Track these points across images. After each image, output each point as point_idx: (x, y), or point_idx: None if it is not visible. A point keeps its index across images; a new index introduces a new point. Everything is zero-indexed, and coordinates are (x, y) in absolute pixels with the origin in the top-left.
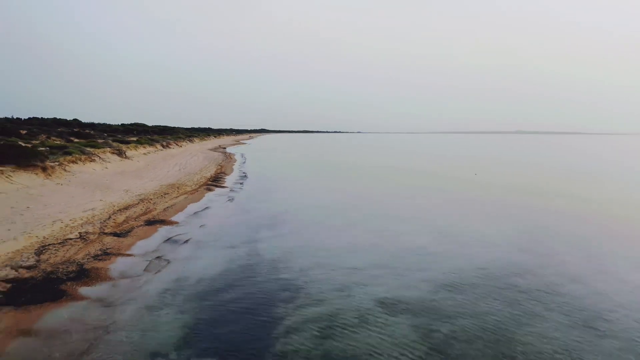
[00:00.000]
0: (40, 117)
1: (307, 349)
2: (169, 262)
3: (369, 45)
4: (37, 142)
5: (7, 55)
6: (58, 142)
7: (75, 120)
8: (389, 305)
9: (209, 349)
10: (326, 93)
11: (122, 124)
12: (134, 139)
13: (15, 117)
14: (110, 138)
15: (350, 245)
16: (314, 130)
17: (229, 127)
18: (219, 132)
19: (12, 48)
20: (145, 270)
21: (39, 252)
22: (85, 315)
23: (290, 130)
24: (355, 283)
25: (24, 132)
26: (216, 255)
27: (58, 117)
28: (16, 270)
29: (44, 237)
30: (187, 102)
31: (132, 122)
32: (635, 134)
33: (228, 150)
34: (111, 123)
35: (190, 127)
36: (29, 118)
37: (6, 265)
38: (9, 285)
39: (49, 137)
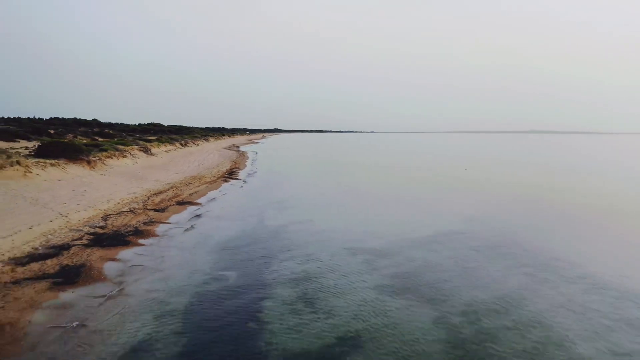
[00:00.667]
0: (61, 117)
1: (293, 272)
2: (197, 227)
3: (382, 46)
4: (66, 140)
5: (9, 55)
6: (85, 140)
7: (94, 120)
8: (351, 250)
9: (228, 269)
10: (341, 94)
11: (140, 124)
12: (153, 138)
13: (37, 117)
14: (130, 137)
15: (333, 217)
16: (327, 130)
17: (242, 127)
18: (233, 132)
19: (15, 48)
20: (180, 231)
21: (105, 218)
22: (145, 253)
23: (304, 130)
24: (331, 238)
25: (52, 131)
26: (231, 224)
27: (78, 118)
28: (93, 229)
29: (105, 210)
30: (201, 103)
31: (149, 122)
32: None
33: (241, 149)
34: (128, 123)
35: (204, 126)
36: (51, 118)
37: (86, 225)
38: (91, 236)
39: (75, 136)
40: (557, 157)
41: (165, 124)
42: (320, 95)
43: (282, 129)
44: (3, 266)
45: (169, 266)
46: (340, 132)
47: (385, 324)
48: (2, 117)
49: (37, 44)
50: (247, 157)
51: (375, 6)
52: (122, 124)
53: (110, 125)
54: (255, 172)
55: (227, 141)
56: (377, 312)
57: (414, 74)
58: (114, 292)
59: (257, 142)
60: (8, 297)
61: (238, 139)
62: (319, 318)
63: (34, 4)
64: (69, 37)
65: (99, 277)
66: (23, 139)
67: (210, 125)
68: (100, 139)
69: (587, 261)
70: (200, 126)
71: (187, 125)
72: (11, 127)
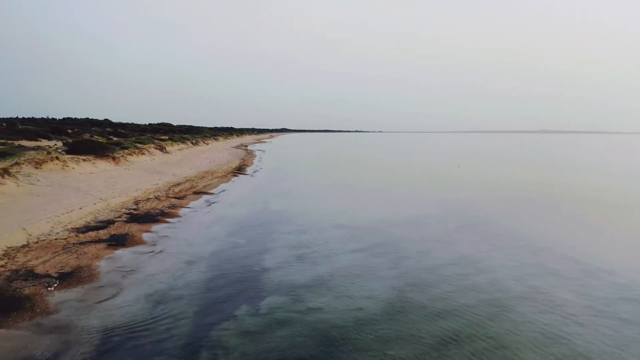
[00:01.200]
0: (73, 117)
1: (289, 241)
2: (212, 210)
3: (391, 45)
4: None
5: (16, 55)
6: (101, 140)
7: (106, 120)
8: (338, 226)
9: (237, 238)
10: (349, 93)
11: (150, 124)
12: (165, 137)
13: (50, 117)
14: (143, 137)
15: (327, 204)
16: (335, 130)
17: (250, 127)
18: (241, 132)
19: (17, 48)
20: (199, 213)
21: (136, 203)
22: (172, 227)
23: (312, 129)
24: (323, 219)
25: (70, 131)
26: (241, 208)
27: (90, 118)
28: (128, 210)
29: (135, 197)
30: (210, 103)
31: (158, 122)
32: None
33: (249, 147)
34: (138, 122)
35: (213, 126)
36: (64, 118)
37: (122, 208)
38: (128, 215)
39: (92, 136)
40: (558, 155)
41: (175, 123)
42: (329, 95)
43: (290, 128)
44: (69, 233)
45: (192, 236)
46: (348, 131)
47: (354, 269)
48: (17, 117)
49: (40, 45)
50: (255, 156)
51: (382, 5)
52: (132, 123)
53: (121, 125)
54: (262, 168)
55: (235, 141)
56: (349, 264)
57: (423, 73)
58: (153, 251)
59: (264, 142)
60: (79, 252)
61: (246, 139)
62: (305, 267)
63: (36, 3)
64: (73, 38)
65: (140, 242)
66: (44, 138)
67: (218, 125)
68: (114, 139)
69: (518, 226)
70: (208, 126)
71: (196, 125)
72: (31, 127)
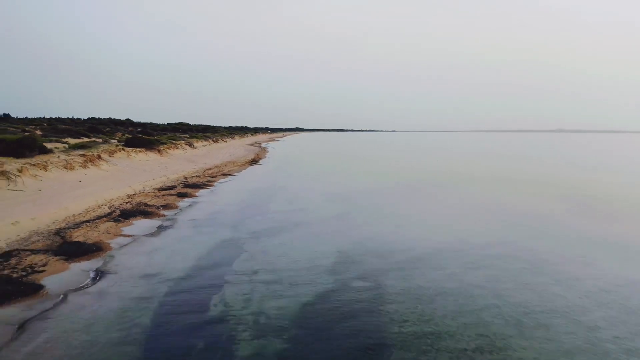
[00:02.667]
0: (97, 117)
1: (287, 200)
2: (235, 184)
3: (404, 43)
4: (119, 136)
5: (20, 56)
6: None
7: (127, 120)
8: (324, 195)
9: (251, 199)
10: (362, 92)
11: (169, 123)
12: (186, 136)
13: (75, 117)
14: (164, 136)
15: (320, 183)
16: (348, 129)
17: (264, 126)
18: (255, 131)
19: (21, 49)
20: (226, 185)
21: (185, 178)
22: (211, 191)
23: (325, 129)
24: (314, 191)
25: (106, 129)
26: (255, 184)
27: (113, 117)
28: (182, 182)
29: (183, 175)
30: (225, 103)
31: (177, 121)
32: None
33: (263, 145)
34: (157, 122)
35: (228, 126)
36: (88, 118)
37: (178, 181)
38: (183, 185)
39: (123, 134)
40: (603, 156)
41: (191, 123)
42: (343, 94)
43: (304, 128)
44: (154, 190)
45: (223, 195)
46: (361, 131)
47: (331, 214)
48: (44, 117)
49: (46, 47)
50: (267, 151)
51: (396, 3)
52: (152, 123)
53: (141, 124)
54: (273, 161)
55: (250, 139)
56: (328, 214)
57: (437, 71)
58: (202, 201)
59: (277, 140)
60: (164, 198)
61: (260, 137)
62: (290, 208)
63: (42, 4)
64: (84, 42)
65: (194, 196)
66: (84, 136)
67: (233, 125)
68: (145, 137)
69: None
70: (224, 125)
71: (213, 125)
72: (70, 127)
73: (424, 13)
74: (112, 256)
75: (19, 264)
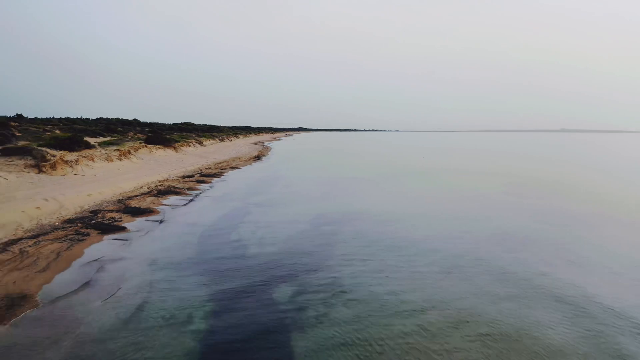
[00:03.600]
0: (105, 117)
1: (285, 184)
2: (242, 174)
3: (406, 42)
4: (55, 137)
5: (39, 62)
6: (143, 137)
7: (135, 120)
8: (314, 179)
9: (256, 185)
10: (365, 92)
11: (174, 123)
12: (192, 135)
13: (84, 117)
14: (176, 134)
15: (313, 172)
16: (351, 129)
17: (267, 126)
18: (259, 130)
19: (25, 49)
20: (235, 176)
21: (200, 169)
22: (223, 180)
23: (328, 128)
24: (306, 178)
25: (119, 129)
26: (259, 174)
27: (120, 118)
28: (198, 172)
29: (199, 167)
30: (228, 103)
31: (182, 121)
32: None
33: (266, 144)
34: (163, 122)
35: (231, 125)
36: (97, 118)
37: (195, 171)
38: (199, 174)
39: (135, 134)
40: (553, 152)
41: (195, 122)
42: (347, 94)
43: (307, 127)
44: (178, 177)
45: (232, 182)
46: (364, 130)
47: (316, 194)
48: (53, 117)
49: (60, 52)
50: (270, 149)
51: (412, 2)
52: (158, 123)
53: (148, 124)
54: (274, 157)
55: (254, 138)
56: (314, 194)
57: (453, 70)
58: (214, 186)
59: (279, 140)
60: (187, 183)
61: (263, 137)
62: (290, 194)
63: (50, 5)
64: (96, 46)
65: (209, 182)
66: (100, 135)
67: (237, 124)
68: (140, 137)
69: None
70: (227, 125)
71: (217, 125)
72: (85, 127)
73: (431, 11)
74: (163, 214)
75: (105, 217)
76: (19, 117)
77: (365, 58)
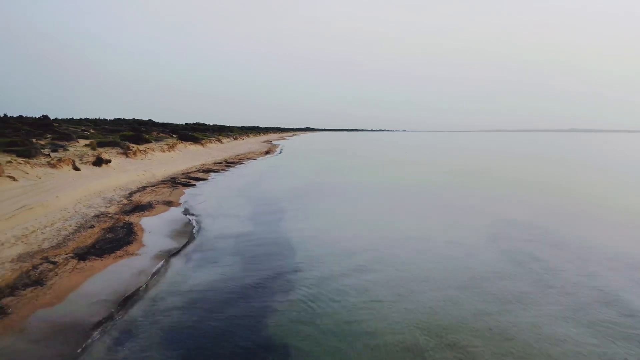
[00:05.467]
0: (122, 117)
1: (286, 171)
2: (256, 164)
3: (417, 42)
4: (123, 135)
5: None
6: (166, 136)
7: (150, 120)
8: (309, 168)
9: (266, 171)
10: (373, 92)
11: (187, 124)
12: (207, 134)
13: (102, 118)
14: (198, 134)
15: (311, 163)
16: (358, 128)
17: (275, 126)
18: (267, 130)
19: (45, 58)
20: (250, 164)
21: (226, 160)
22: (243, 166)
23: (335, 128)
24: (303, 168)
25: (143, 129)
26: (269, 164)
27: (136, 118)
28: (225, 161)
29: (224, 158)
30: (236, 103)
31: (193, 121)
32: None
33: (274, 142)
34: (177, 122)
35: (240, 125)
36: (115, 119)
37: (222, 160)
38: (226, 163)
39: (158, 134)
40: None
41: (204, 122)
42: (354, 94)
43: (314, 127)
44: (212, 164)
45: (250, 167)
46: (371, 130)
47: (308, 176)
48: (73, 118)
49: (63, 54)
50: (278, 146)
51: (416, 2)
52: (171, 123)
53: (162, 124)
54: (282, 153)
55: (262, 137)
56: (307, 175)
57: (459, 68)
58: (240, 169)
59: (287, 139)
60: (220, 167)
61: (271, 136)
62: (290, 174)
63: (55, 9)
64: (103, 49)
65: (234, 167)
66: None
67: (245, 124)
68: (174, 135)
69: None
70: (236, 125)
71: (227, 125)
72: (115, 127)
73: (438, 11)
74: (210, 180)
75: (180, 180)
76: (44, 118)
77: (373, 58)
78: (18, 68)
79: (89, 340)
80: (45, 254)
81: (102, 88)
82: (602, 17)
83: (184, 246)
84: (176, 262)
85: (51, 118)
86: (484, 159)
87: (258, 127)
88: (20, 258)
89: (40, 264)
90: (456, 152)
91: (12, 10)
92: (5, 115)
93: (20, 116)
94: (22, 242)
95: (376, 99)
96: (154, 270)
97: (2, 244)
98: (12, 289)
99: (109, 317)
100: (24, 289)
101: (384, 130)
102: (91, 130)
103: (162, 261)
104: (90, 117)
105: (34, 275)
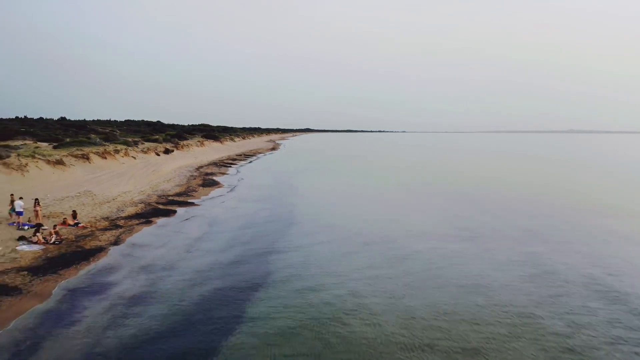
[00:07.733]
0: (133, 119)
1: (290, 163)
2: (266, 158)
3: (412, 43)
4: (167, 133)
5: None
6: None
7: (158, 121)
8: (309, 161)
9: (273, 165)
10: (373, 93)
11: (192, 125)
12: (216, 135)
13: (113, 120)
14: (200, 134)
15: (309, 158)
16: (357, 129)
17: (275, 127)
18: (268, 131)
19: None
20: (262, 158)
21: (242, 153)
22: (256, 159)
23: (334, 129)
24: (301, 160)
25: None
26: (275, 157)
27: (146, 119)
28: (239, 155)
29: (241, 152)
30: (237, 104)
31: (199, 123)
32: None
33: (277, 141)
34: (184, 124)
35: (242, 126)
36: (125, 120)
37: (240, 154)
38: (243, 155)
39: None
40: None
41: (205, 123)
42: (354, 95)
43: (314, 128)
44: (235, 156)
45: (262, 159)
46: (370, 131)
47: (304, 165)
48: (107, 120)
49: (66, 56)
50: (280, 145)
51: (415, 3)
52: (179, 125)
53: (170, 126)
54: (284, 150)
55: (266, 137)
56: (304, 165)
57: (458, 69)
58: (255, 161)
59: (287, 139)
60: (240, 157)
61: (274, 137)
62: (291, 164)
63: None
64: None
65: (250, 159)
66: (148, 134)
67: (246, 125)
68: (188, 135)
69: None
70: (238, 126)
71: (230, 126)
72: (138, 128)
73: (437, 12)
74: (239, 164)
75: (220, 163)
76: (62, 120)
77: (372, 59)
78: (18, 68)
79: (224, 202)
80: (189, 184)
81: (102, 88)
82: (602, 17)
83: (238, 185)
84: (237, 190)
85: (51, 118)
86: (485, 166)
87: (259, 128)
88: (175, 187)
89: (188, 188)
90: (473, 154)
91: (12, 11)
92: (64, 118)
93: (41, 118)
94: (169, 182)
95: (376, 100)
96: (229, 190)
97: (167, 181)
98: (186, 195)
99: (230, 192)
100: (187, 195)
101: (384, 132)
102: (118, 131)
103: (232, 189)
104: (93, 119)
105: (188, 191)
